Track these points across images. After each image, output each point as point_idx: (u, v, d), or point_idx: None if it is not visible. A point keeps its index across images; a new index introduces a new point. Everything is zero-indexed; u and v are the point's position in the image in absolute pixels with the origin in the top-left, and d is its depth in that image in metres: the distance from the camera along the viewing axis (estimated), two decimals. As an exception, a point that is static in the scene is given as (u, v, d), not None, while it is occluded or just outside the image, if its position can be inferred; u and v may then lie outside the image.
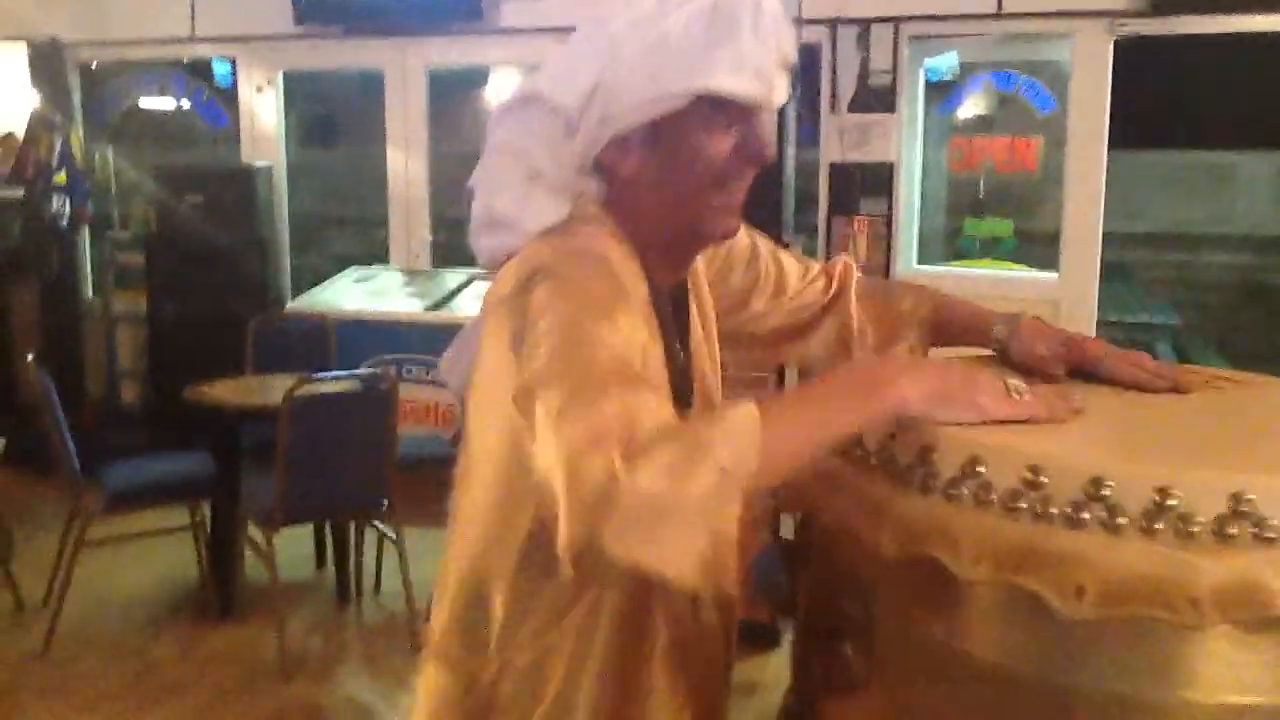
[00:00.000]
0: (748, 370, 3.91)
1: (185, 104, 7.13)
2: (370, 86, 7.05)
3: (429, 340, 5.79)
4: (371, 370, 4.02)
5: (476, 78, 8.29)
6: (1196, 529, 0.89)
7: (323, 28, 6.30)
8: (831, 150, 5.75)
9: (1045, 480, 0.94)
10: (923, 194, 6.09)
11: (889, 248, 5.69)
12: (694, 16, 1.17)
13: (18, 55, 6.53)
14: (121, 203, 6.99)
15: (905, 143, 5.83)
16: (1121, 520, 0.91)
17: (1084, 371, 1.31)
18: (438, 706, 1.27)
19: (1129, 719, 0.92)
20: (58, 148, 6.24)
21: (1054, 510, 0.94)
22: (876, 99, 5.71)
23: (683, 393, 1.27)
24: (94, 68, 6.90)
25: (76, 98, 6.77)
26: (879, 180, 5.74)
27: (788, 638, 1.47)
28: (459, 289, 6.27)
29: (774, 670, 3.20)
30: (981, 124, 6.56)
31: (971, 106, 6.51)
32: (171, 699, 3.46)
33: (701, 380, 1.34)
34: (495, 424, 1.19)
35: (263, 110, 6.59)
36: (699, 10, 1.18)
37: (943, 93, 6.31)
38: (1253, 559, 0.88)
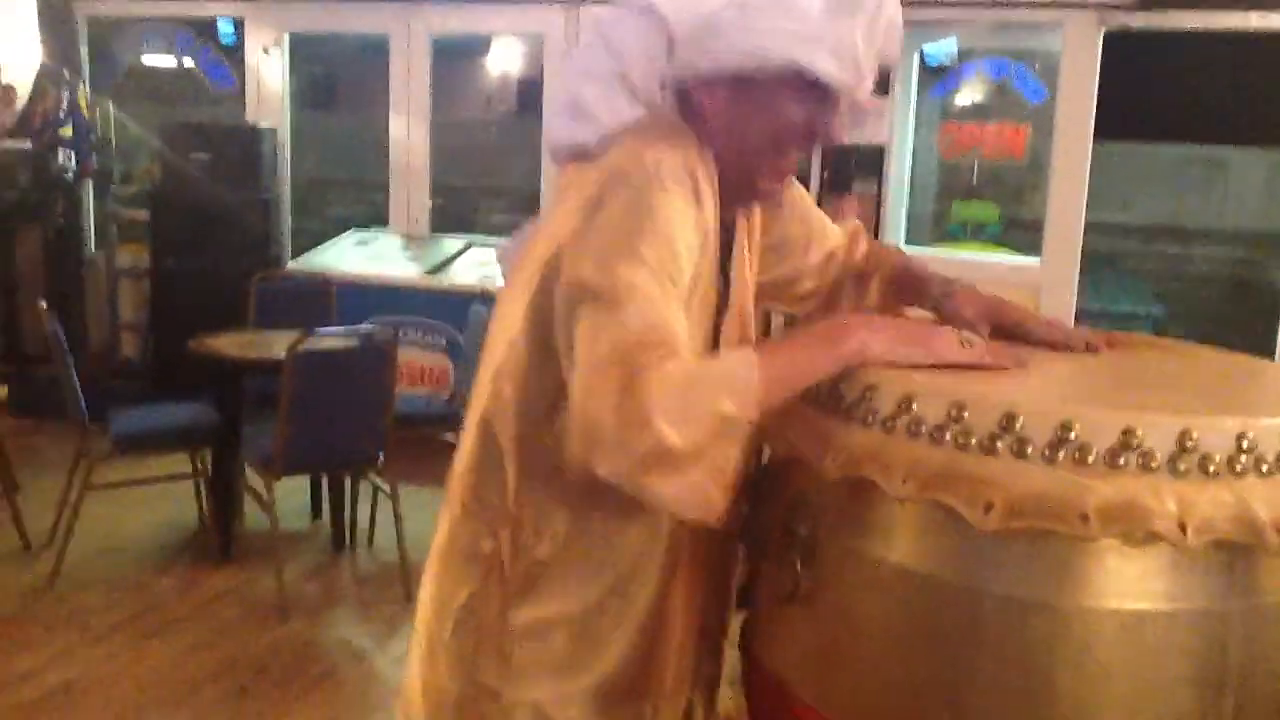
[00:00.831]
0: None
1: (189, 62, 7.23)
2: (371, 51, 7.14)
3: (426, 304, 5.93)
4: (371, 327, 4.16)
5: (478, 47, 8.37)
6: (1091, 458, 1.05)
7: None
8: (825, 130, 5.86)
9: (966, 415, 1.10)
10: (913, 176, 6.23)
11: (877, 228, 5.82)
12: (831, 11, 1.26)
13: (27, 8, 6.61)
14: (126, 159, 7.10)
15: (897, 126, 5.95)
16: (1029, 449, 1.06)
17: (1008, 334, 1.47)
18: (465, 482, 1.43)
19: (1030, 619, 1.07)
20: (64, 102, 6.34)
21: (973, 440, 1.09)
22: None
23: (710, 320, 1.39)
24: (102, 23, 6.99)
25: (84, 52, 6.87)
26: (871, 162, 5.87)
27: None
28: (456, 255, 6.40)
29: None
30: (973, 110, 6.69)
31: (964, 93, 6.64)
32: (174, 631, 3.63)
33: (740, 309, 1.45)
34: (528, 279, 1.32)
35: (268, 71, 6.69)
36: (838, 5, 1.26)
37: (936, 78, 6.44)
38: (1137, 483, 1.03)
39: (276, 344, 4.21)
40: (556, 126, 1.38)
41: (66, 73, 6.42)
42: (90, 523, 4.07)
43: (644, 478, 1.12)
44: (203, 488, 4.44)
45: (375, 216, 7.46)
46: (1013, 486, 1.04)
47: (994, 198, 6.57)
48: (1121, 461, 1.04)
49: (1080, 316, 5.72)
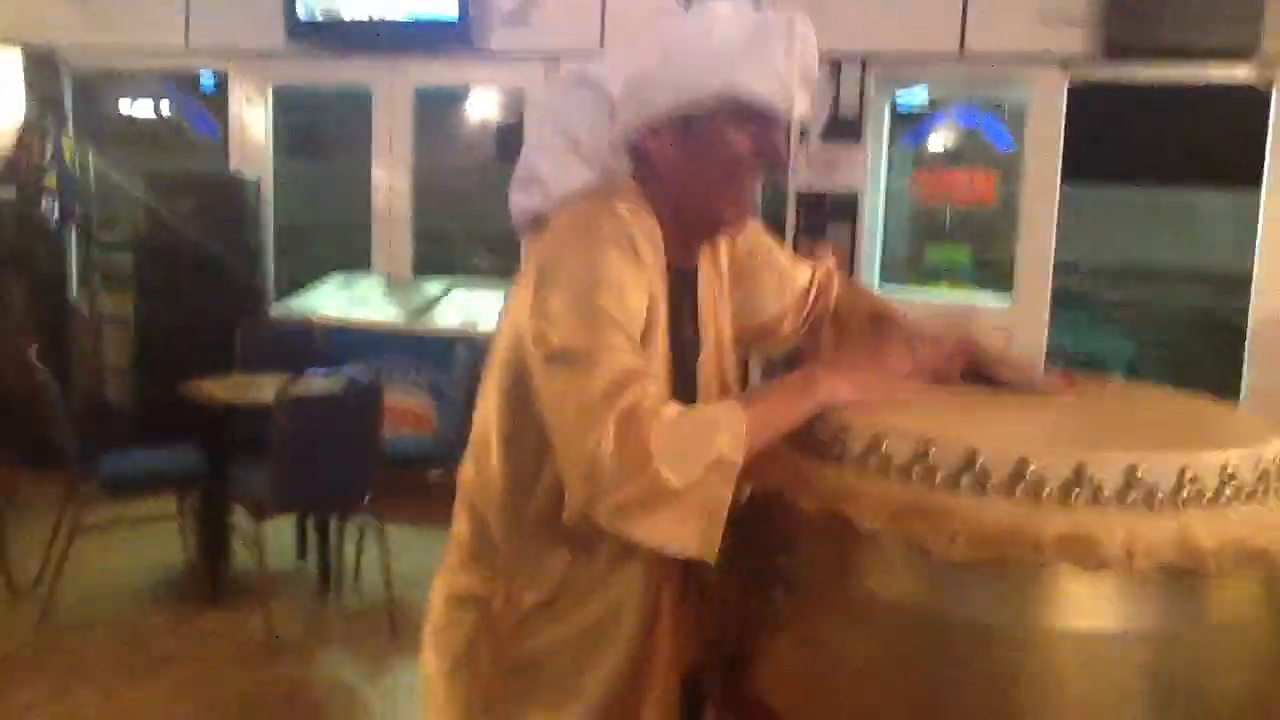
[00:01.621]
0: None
1: (166, 111, 7.33)
2: (353, 100, 7.26)
3: (409, 347, 6.02)
4: (357, 370, 4.24)
5: (460, 94, 8.49)
6: (1046, 491, 1.15)
7: (315, 46, 6.51)
8: (801, 178, 6.01)
9: (932, 453, 1.19)
10: (887, 221, 6.38)
11: (852, 270, 5.95)
12: (737, 28, 1.39)
13: (13, 60, 6.71)
14: (110, 207, 7.17)
15: (870, 172, 6.11)
16: (989, 484, 1.16)
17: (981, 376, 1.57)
18: (460, 549, 1.55)
19: (992, 641, 1.17)
20: (49, 151, 6.42)
21: (937, 477, 1.19)
22: (845, 130, 5.99)
23: (684, 363, 1.49)
24: (86, 73, 7.08)
25: (69, 103, 6.96)
26: (846, 207, 6.01)
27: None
28: (439, 298, 6.50)
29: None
30: (945, 157, 6.87)
31: (936, 140, 6.82)
32: (163, 671, 3.66)
33: (710, 358, 1.55)
34: (498, 363, 1.45)
35: (252, 122, 6.80)
36: (741, 25, 1.39)
37: (908, 125, 6.62)
38: (1088, 515, 1.13)
39: (263, 387, 4.29)
40: (514, 199, 1.51)
41: (51, 122, 6.50)
42: (79, 565, 4.10)
43: (643, 518, 1.23)
44: (190, 529, 4.48)
45: (358, 260, 7.54)
46: (975, 519, 1.14)
47: (966, 240, 6.73)
48: (1074, 495, 1.14)
49: (1051, 355, 5.85)
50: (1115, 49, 5.49)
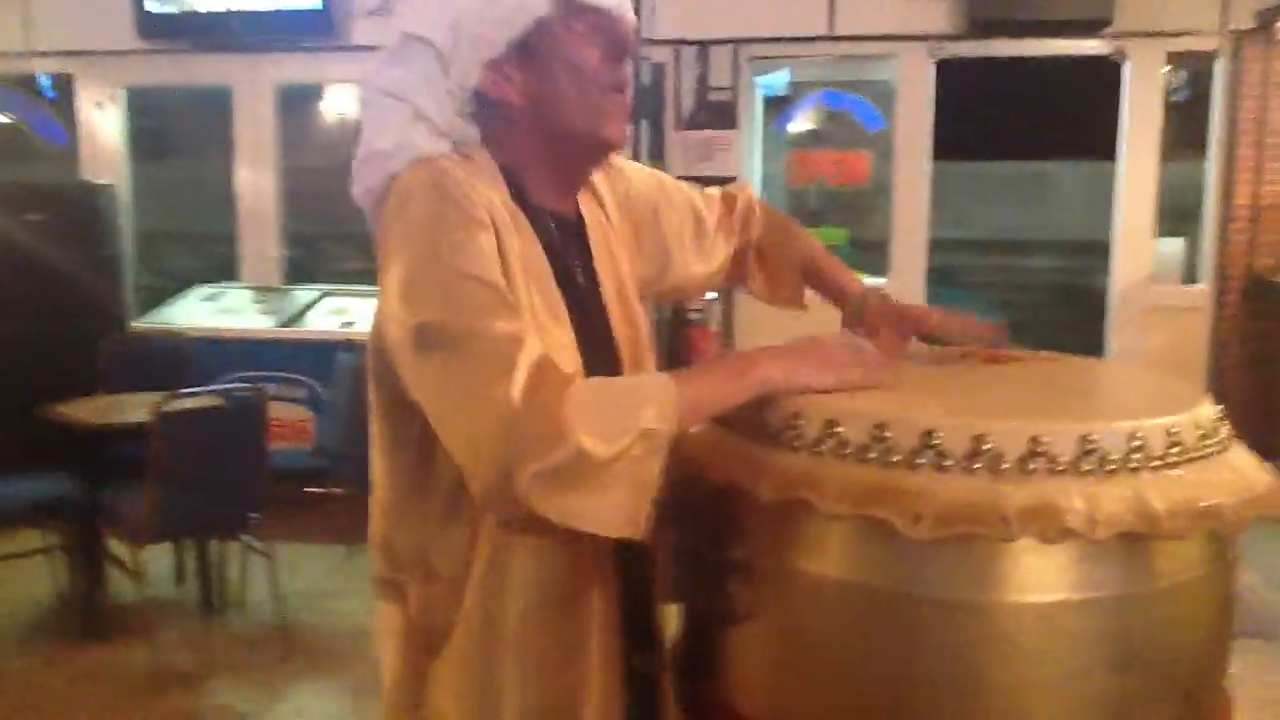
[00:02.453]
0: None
1: (4, 118, 6.92)
2: (207, 99, 6.98)
3: (283, 356, 5.79)
4: (237, 384, 4.05)
5: (320, 90, 8.25)
6: (1005, 466, 1.13)
7: (168, 43, 6.22)
8: (676, 165, 6.02)
9: (889, 434, 1.17)
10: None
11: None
12: None
13: None
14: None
15: (745, 156, 6.14)
16: (948, 462, 1.14)
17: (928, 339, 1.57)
18: (384, 633, 1.41)
19: (960, 617, 1.15)
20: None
21: (896, 457, 1.16)
22: (717, 115, 6.01)
23: (587, 315, 1.40)
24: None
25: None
26: (722, 193, 6.02)
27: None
28: (311, 304, 6.28)
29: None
30: (815, 139, 6.97)
31: (805, 122, 6.90)
32: (44, 716, 3.45)
33: (615, 304, 1.46)
34: (371, 347, 1.34)
35: (103, 126, 6.47)
36: None
37: (778, 109, 6.68)
38: (1046, 486, 1.12)
39: (132, 407, 4.08)
40: (361, 175, 1.34)
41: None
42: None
43: (564, 493, 1.14)
44: (60, 562, 4.22)
45: (218, 269, 7.26)
46: (938, 497, 1.11)
47: (841, 222, 6.84)
48: (1032, 467, 1.13)
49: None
50: (978, 26, 5.65)
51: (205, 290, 6.51)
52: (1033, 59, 5.96)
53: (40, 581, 4.27)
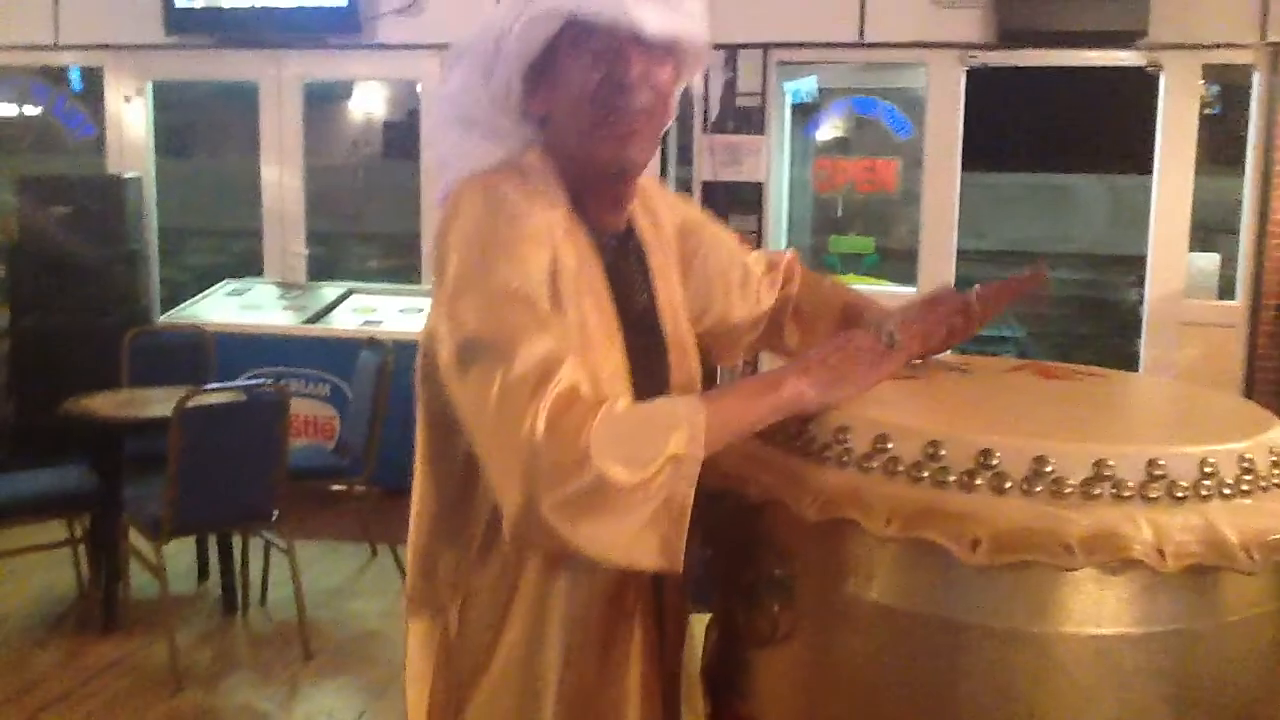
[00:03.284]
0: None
1: (33, 110, 6.94)
2: (232, 95, 6.98)
3: (308, 353, 5.78)
4: (260, 380, 4.03)
5: (344, 88, 8.24)
6: (1068, 490, 1.08)
7: (196, 37, 6.22)
8: (703, 169, 5.98)
9: (944, 453, 1.12)
10: (790, 211, 6.38)
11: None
12: None
13: None
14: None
15: (773, 163, 6.09)
16: (1007, 484, 1.09)
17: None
18: (417, 650, 1.39)
19: (1013, 648, 1.10)
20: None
21: (951, 477, 1.11)
22: (745, 121, 5.97)
23: (641, 334, 1.39)
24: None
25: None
26: (749, 198, 5.99)
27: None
28: (336, 302, 6.27)
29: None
30: (843, 146, 6.91)
31: (833, 129, 6.85)
32: (62, 708, 3.44)
33: (670, 325, 1.44)
34: (420, 352, 1.35)
35: (131, 120, 6.47)
36: None
37: (808, 116, 6.63)
38: (1111, 512, 1.07)
39: (156, 402, 4.06)
40: (438, 186, 1.37)
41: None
42: (-42, 600, 3.83)
43: (589, 520, 1.10)
44: (83, 555, 4.20)
45: (241, 265, 7.25)
46: (996, 521, 1.07)
47: (868, 230, 6.78)
48: (1096, 492, 1.08)
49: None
50: (1009, 35, 5.58)
51: (231, 285, 6.51)
52: (1058, 69, 5.88)
53: (62, 575, 4.25)
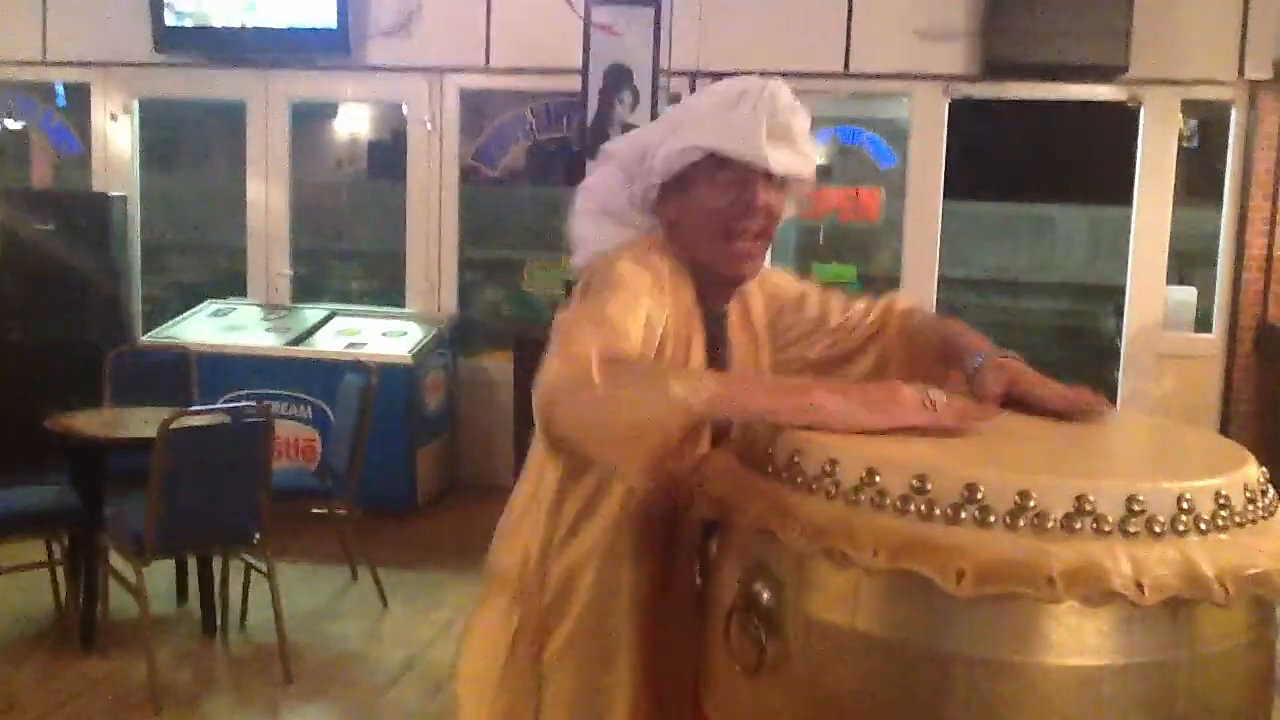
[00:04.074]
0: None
1: (14, 124, 6.92)
2: (220, 112, 6.98)
3: (290, 375, 5.77)
4: (248, 405, 4.02)
5: (331, 107, 8.25)
6: (1050, 524, 1.11)
7: (184, 56, 6.23)
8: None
9: (930, 486, 1.14)
10: (776, 238, 6.42)
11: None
12: (721, 96, 1.58)
13: None
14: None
15: (759, 190, 6.13)
16: (991, 518, 1.12)
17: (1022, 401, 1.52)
18: (487, 622, 1.65)
19: (996, 678, 1.12)
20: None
21: (937, 510, 1.14)
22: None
23: None
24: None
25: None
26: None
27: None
28: (320, 324, 6.26)
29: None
30: (827, 174, 6.96)
31: (818, 157, 6.89)
32: (40, 732, 3.40)
33: None
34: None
35: (117, 137, 6.47)
36: (725, 92, 1.58)
37: (792, 144, 6.68)
38: (1093, 546, 1.09)
39: (140, 421, 4.05)
40: (575, 257, 1.70)
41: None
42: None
43: (579, 415, 1.32)
44: (61, 574, 4.17)
45: (225, 283, 7.24)
46: (980, 554, 1.09)
47: (851, 258, 6.82)
48: (1078, 526, 1.11)
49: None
50: (992, 67, 5.65)
51: (214, 306, 6.49)
52: (1043, 102, 5.97)
53: (40, 594, 4.22)
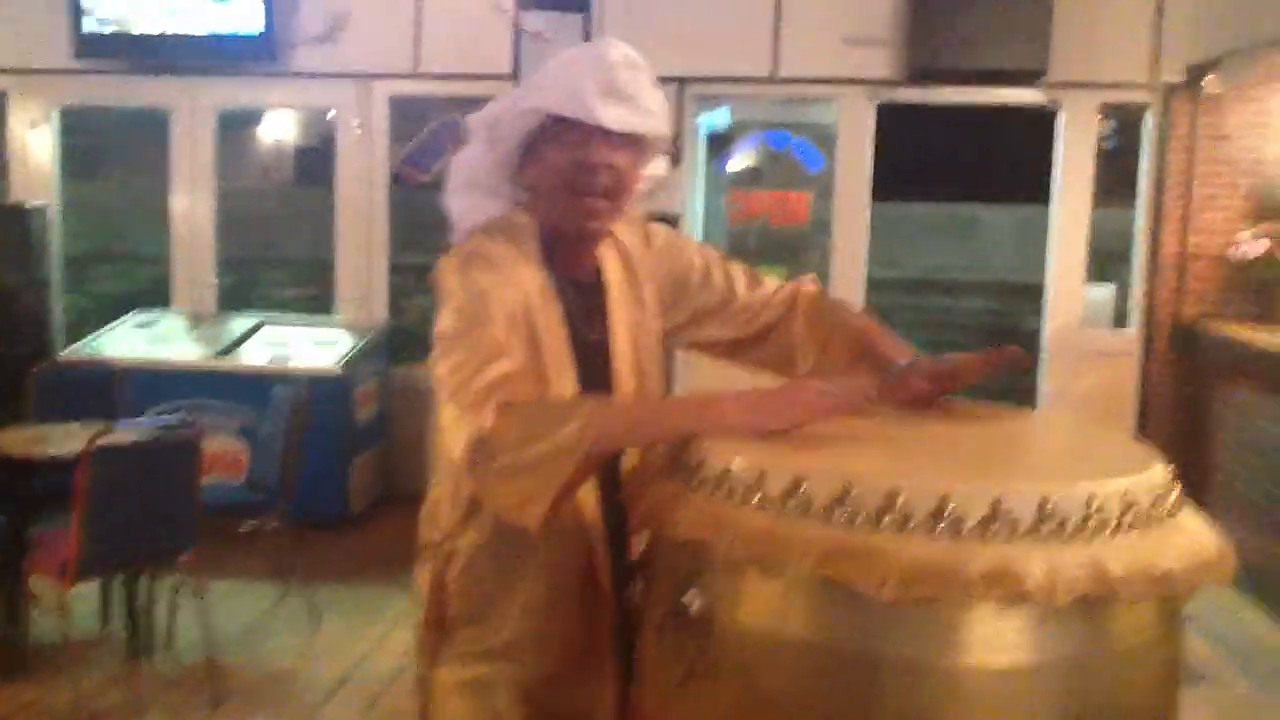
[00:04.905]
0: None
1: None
2: (143, 119, 6.85)
3: (218, 387, 5.67)
4: (173, 418, 3.96)
5: (258, 114, 8.12)
6: (967, 528, 1.14)
7: (105, 63, 6.10)
8: (622, 200, 6.00)
9: (853, 494, 1.18)
10: (705, 242, 6.47)
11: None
12: (559, 61, 1.62)
13: None
14: None
15: (688, 194, 6.18)
16: (911, 524, 1.15)
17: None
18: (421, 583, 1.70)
19: (921, 677, 1.16)
20: None
21: (860, 518, 1.17)
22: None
23: (594, 362, 1.65)
24: None
25: None
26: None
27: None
28: (247, 334, 6.16)
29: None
30: (756, 178, 7.03)
31: (746, 161, 6.96)
32: (-36, 762, 3.31)
33: (626, 357, 1.70)
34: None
35: (36, 147, 6.32)
36: (564, 57, 1.62)
37: (722, 148, 6.74)
38: (1007, 550, 1.13)
39: (63, 439, 3.95)
40: (454, 233, 1.73)
41: None
42: None
43: (488, 484, 1.44)
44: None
45: (150, 292, 7.09)
46: (901, 559, 1.12)
47: (780, 260, 6.89)
48: (993, 529, 1.14)
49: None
50: (917, 73, 5.75)
51: (139, 317, 6.36)
52: (967, 106, 6.08)
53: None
